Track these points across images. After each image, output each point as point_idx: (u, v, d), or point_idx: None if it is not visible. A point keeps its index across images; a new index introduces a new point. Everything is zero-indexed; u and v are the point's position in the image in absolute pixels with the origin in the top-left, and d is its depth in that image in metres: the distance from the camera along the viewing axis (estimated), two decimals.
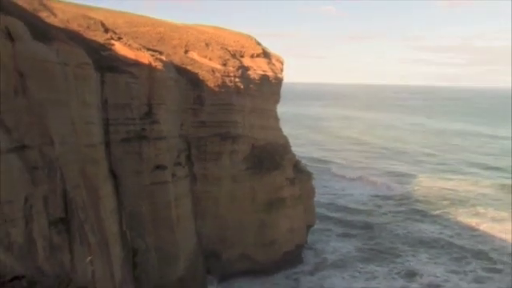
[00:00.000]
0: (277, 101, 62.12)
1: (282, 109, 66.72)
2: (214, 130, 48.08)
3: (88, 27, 37.80)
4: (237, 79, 51.22)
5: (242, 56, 56.44)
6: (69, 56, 26.08)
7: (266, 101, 58.16)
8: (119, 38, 39.49)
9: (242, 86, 51.56)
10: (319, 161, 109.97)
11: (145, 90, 37.14)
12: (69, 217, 24.09)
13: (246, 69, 54.34)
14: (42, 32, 25.17)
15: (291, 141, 63.25)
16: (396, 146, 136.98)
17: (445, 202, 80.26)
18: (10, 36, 19.77)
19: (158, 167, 38.07)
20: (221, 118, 48.50)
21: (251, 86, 53.99)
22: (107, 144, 33.72)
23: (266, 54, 61.14)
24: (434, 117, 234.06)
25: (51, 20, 33.49)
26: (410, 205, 79.16)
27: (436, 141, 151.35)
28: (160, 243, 38.25)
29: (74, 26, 36.45)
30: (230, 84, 49.96)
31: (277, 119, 61.18)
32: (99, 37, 37.59)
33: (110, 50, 36.83)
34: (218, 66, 50.33)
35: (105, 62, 34.35)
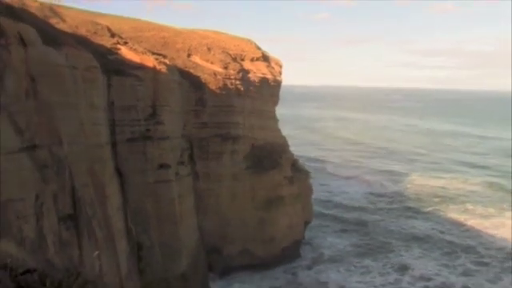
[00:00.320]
0: (276, 102, 62.21)
1: (280, 110, 66.80)
2: (216, 130, 48.18)
3: (95, 32, 37.86)
4: (237, 82, 51.31)
5: (243, 59, 56.53)
6: (77, 60, 26.19)
7: (266, 102, 58.26)
8: (125, 43, 39.57)
9: (242, 89, 51.66)
10: (316, 160, 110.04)
11: (149, 92, 37.22)
12: (77, 213, 24.19)
13: (246, 72, 54.43)
14: (52, 37, 25.26)
15: (289, 141, 63.37)
16: (389, 146, 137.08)
17: (436, 200, 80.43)
18: (22, 41, 19.88)
19: (162, 166, 38.15)
20: (222, 119, 48.60)
21: (251, 88, 54.08)
22: (113, 144, 33.82)
23: (265, 58, 61.23)
24: (426, 118, 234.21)
25: (61, 26, 33.56)
26: (402, 202, 79.32)
27: (428, 141, 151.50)
28: (164, 239, 38.33)
29: (82, 32, 36.52)
30: (230, 86, 50.06)
31: (276, 120, 61.27)
32: (106, 41, 37.66)
33: (117, 54, 36.91)
34: (220, 69, 50.42)
35: (111, 65, 34.42)
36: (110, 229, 29.23)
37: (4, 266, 5.48)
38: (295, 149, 68.14)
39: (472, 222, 68.82)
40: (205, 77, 48.07)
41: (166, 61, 41.51)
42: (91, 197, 26.72)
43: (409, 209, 75.54)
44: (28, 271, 5.68)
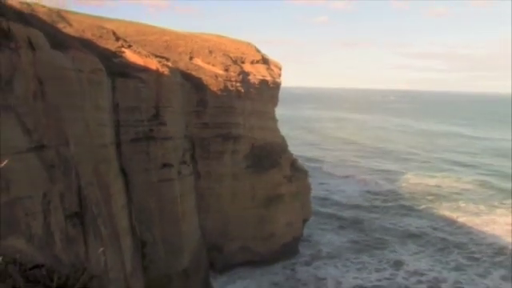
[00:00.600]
0: (275, 104, 62.25)
1: (279, 111, 66.85)
2: (217, 130, 48.20)
3: (101, 36, 37.87)
4: (238, 84, 51.35)
5: (243, 62, 56.57)
6: (83, 63, 26.20)
7: (265, 104, 58.30)
8: (129, 46, 39.58)
9: (242, 90, 51.69)
10: (314, 160, 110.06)
11: (153, 93, 37.24)
12: (83, 211, 24.20)
13: (246, 74, 54.47)
14: (60, 41, 25.29)
15: (288, 141, 63.41)
16: (384, 146, 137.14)
17: (429, 198, 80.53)
18: (31, 45, 19.93)
19: (165, 165, 38.17)
20: (223, 120, 48.63)
21: (251, 89, 54.12)
22: (118, 144, 33.83)
23: (265, 60, 61.28)
24: (420, 119, 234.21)
25: (68, 30, 33.58)
26: (397, 200, 79.40)
27: (422, 141, 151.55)
28: (166, 236, 38.35)
29: (88, 36, 36.54)
30: (231, 88, 50.09)
31: (275, 121, 61.30)
32: (111, 45, 37.68)
33: (121, 57, 36.93)
34: (221, 72, 50.46)
35: (116, 68, 34.45)
36: (115, 226, 29.24)
37: (13, 261, 5.51)
38: (294, 149, 68.17)
39: (464, 219, 68.95)
40: (206, 79, 48.10)
41: (169, 63, 41.54)
42: (96, 195, 26.73)
43: (404, 207, 75.62)
44: (36, 266, 5.71)
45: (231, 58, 54.58)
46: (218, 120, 48.14)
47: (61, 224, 20.70)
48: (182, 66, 47.43)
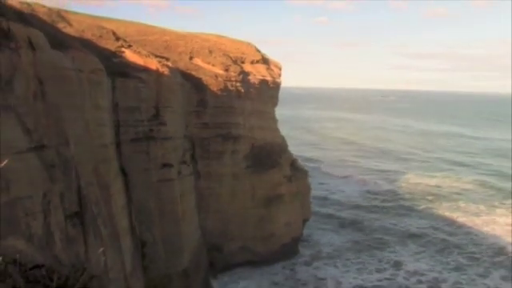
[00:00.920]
0: (275, 104, 62.24)
1: (279, 111, 66.86)
2: (217, 130, 48.20)
3: (101, 36, 37.88)
4: (238, 84, 51.35)
5: (243, 62, 56.56)
6: (83, 63, 26.21)
7: (265, 104, 58.30)
8: (129, 46, 39.59)
9: (242, 90, 51.69)
10: (314, 160, 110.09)
11: (153, 93, 37.26)
12: (83, 211, 24.18)
13: (246, 74, 54.47)
14: (60, 41, 25.30)
15: (288, 141, 63.40)
16: (384, 146, 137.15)
17: (429, 198, 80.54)
18: (31, 45, 19.92)
19: (165, 165, 38.18)
20: (223, 120, 48.63)
21: (251, 89, 54.12)
22: (118, 144, 33.84)
23: (264, 61, 61.27)
24: (419, 119, 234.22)
25: (68, 30, 33.60)
26: (397, 200, 79.40)
27: (421, 141, 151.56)
28: (166, 236, 38.36)
29: (88, 36, 36.55)
30: (231, 88, 50.08)
31: (275, 121, 61.29)
32: (111, 45, 37.69)
33: (121, 56, 36.94)
34: (221, 72, 50.46)
35: (116, 68, 34.45)
36: (115, 226, 29.23)
37: (13, 261, 5.50)
38: (294, 149, 68.18)
39: (464, 219, 68.95)
40: (206, 79, 48.10)
41: (169, 63, 41.55)
42: (96, 195, 26.72)
43: (404, 207, 75.63)
44: (36, 266, 5.70)
45: (231, 57, 54.58)
46: (218, 120, 48.14)
47: (61, 224, 20.69)
48: (181, 65, 47.43)
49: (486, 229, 64.52)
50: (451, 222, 67.62)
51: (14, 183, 16.68)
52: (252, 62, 57.97)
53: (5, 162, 13.27)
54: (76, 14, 44.91)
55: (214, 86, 48.03)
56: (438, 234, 62.53)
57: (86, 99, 25.97)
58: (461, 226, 65.85)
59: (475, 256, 55.08)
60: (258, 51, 62.26)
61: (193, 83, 46.27)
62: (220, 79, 49.06)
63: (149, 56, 39.50)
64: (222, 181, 48.88)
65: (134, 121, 35.83)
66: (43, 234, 18.05)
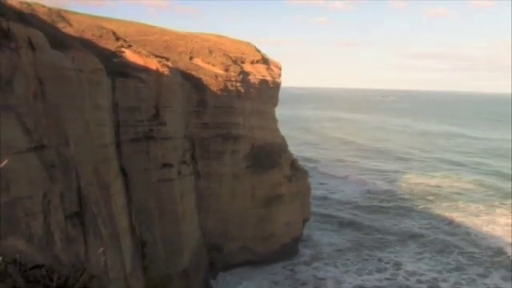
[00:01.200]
0: (275, 104, 62.22)
1: (279, 111, 66.87)
2: (217, 130, 48.20)
3: (101, 36, 37.88)
4: (238, 84, 51.34)
5: (243, 62, 56.56)
6: (83, 63, 26.21)
7: (265, 104, 58.29)
8: (129, 46, 39.59)
9: (242, 90, 51.69)
10: (313, 160, 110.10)
11: (153, 93, 37.26)
12: (83, 211, 24.18)
13: (246, 74, 54.46)
14: (60, 41, 25.30)
15: (287, 141, 63.37)
16: (384, 146, 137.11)
17: (429, 198, 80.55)
18: (31, 45, 19.92)
19: (165, 165, 38.18)
20: (223, 120, 48.63)
21: (251, 89, 54.11)
22: (118, 144, 33.84)
23: (265, 61, 61.26)
24: (419, 119, 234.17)
25: (68, 30, 33.60)
26: (397, 200, 79.40)
27: (421, 141, 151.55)
28: (166, 236, 38.37)
29: (88, 35, 36.56)
30: (231, 88, 50.08)
31: (275, 121, 61.28)
32: (111, 45, 37.69)
33: (121, 56, 36.94)
34: (221, 72, 50.45)
35: (116, 68, 34.45)
36: (115, 226, 29.23)
37: (13, 261, 5.50)
38: (293, 149, 68.16)
39: (464, 219, 68.96)
40: (206, 79, 48.10)
41: (169, 63, 41.55)
42: (96, 195, 26.72)
43: (403, 207, 75.63)
44: (36, 266, 5.70)
45: (231, 57, 54.58)
46: (218, 120, 48.14)
47: (61, 224, 20.68)
48: (181, 65, 47.43)
49: (485, 229, 64.54)
50: (451, 222, 67.63)
51: (13, 183, 16.67)
52: (252, 62, 57.97)
53: (5, 162, 13.27)
54: (76, 13, 44.92)
55: (213, 86, 48.03)
56: (438, 234, 62.54)
57: (85, 99, 25.97)
58: (461, 226, 65.85)
59: (475, 256, 55.09)
60: (258, 51, 62.25)
61: (193, 83, 46.27)
62: (220, 79, 49.06)
63: (149, 56, 39.50)
64: (221, 181, 48.87)
65: (134, 121, 35.83)
66: (43, 234, 18.05)
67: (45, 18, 30.73)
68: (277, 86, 61.35)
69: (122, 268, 29.10)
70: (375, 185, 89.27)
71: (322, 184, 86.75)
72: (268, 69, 60.47)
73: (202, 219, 45.86)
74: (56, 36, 26.03)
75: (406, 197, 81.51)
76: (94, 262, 23.19)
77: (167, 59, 43.61)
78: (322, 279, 48.82)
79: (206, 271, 44.59)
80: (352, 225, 66.17)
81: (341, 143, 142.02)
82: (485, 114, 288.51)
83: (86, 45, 32.01)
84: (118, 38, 39.85)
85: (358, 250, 56.89)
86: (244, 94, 52.03)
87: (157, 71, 37.54)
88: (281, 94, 64.52)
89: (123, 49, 38.10)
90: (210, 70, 49.87)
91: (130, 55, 37.61)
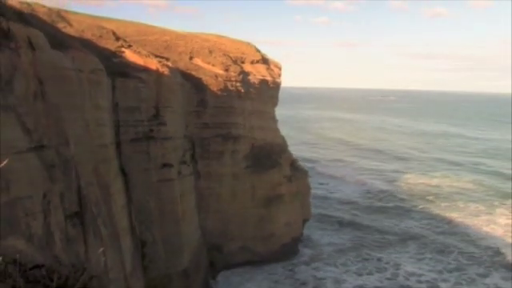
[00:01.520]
0: (275, 104, 62.20)
1: (279, 111, 66.81)
2: (217, 130, 48.17)
3: (101, 36, 37.86)
4: (238, 84, 51.32)
5: (243, 62, 56.54)
6: (83, 63, 26.21)
7: (265, 104, 58.27)
8: (129, 46, 39.57)
9: (242, 90, 51.66)
10: (313, 160, 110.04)
11: (153, 93, 37.25)
12: (83, 211, 24.18)
13: (246, 74, 54.44)
14: (60, 41, 25.29)
15: (287, 141, 63.31)
16: (383, 146, 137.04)
17: (429, 198, 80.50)
18: (31, 45, 19.91)
19: (165, 165, 38.17)
20: (223, 120, 48.60)
21: (251, 89, 54.09)
22: (118, 144, 33.83)
23: (264, 60, 61.24)
24: (419, 119, 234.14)
25: (68, 30, 33.60)
26: (397, 200, 79.35)
27: (421, 141, 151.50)
28: (166, 236, 38.35)
29: (88, 36, 36.54)
30: (231, 88, 50.06)
31: (275, 121, 61.25)
32: (111, 45, 37.67)
33: (121, 56, 36.93)
34: (221, 72, 50.43)
35: (116, 68, 34.44)
36: (115, 226, 29.22)
37: (13, 261, 5.48)
38: (293, 148, 68.11)
39: (464, 219, 68.93)
40: (206, 79, 48.08)
41: (169, 63, 41.53)
42: (96, 195, 26.71)
43: (403, 207, 75.58)
44: (36, 266, 5.68)
45: (231, 57, 54.55)
46: (218, 120, 48.11)
47: (61, 224, 20.67)
48: (181, 65, 47.41)
49: (485, 229, 64.51)
50: (451, 222, 67.58)
51: (14, 183, 16.66)
52: (252, 62, 57.95)
53: (5, 162, 13.24)
54: (76, 13, 44.90)
55: (214, 85, 48.01)
56: (438, 234, 62.51)
57: (85, 99, 25.97)
58: (461, 226, 65.81)
59: (475, 256, 55.06)
60: (258, 51, 62.23)
61: (193, 83, 46.25)
62: (220, 79, 49.04)
63: (149, 56, 39.49)
64: (221, 181, 48.85)
65: (134, 121, 35.82)
66: (43, 234, 18.04)
67: (45, 17, 30.72)
68: (277, 86, 61.33)
69: (122, 268, 29.09)
70: (375, 185, 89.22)
71: (321, 184, 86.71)
72: (268, 69, 60.45)
73: (202, 219, 45.83)
74: (56, 36, 26.02)
75: (406, 197, 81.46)
76: (94, 261, 23.17)
77: (167, 59, 43.59)
78: (322, 279, 48.78)
79: (206, 271, 44.56)
80: (352, 225, 66.12)
81: (340, 143, 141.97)
82: (485, 114, 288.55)
83: (86, 45, 32.00)
84: (118, 38, 39.84)
85: (357, 249, 56.85)
86: (244, 94, 52.00)
87: (157, 71, 37.53)
88: (281, 94, 64.48)
89: (123, 49, 38.09)
90: (210, 70, 49.85)
91: (129, 55, 37.60)
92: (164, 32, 57.70)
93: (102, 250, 25.04)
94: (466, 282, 48.39)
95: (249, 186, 50.78)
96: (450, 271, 51.02)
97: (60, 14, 35.40)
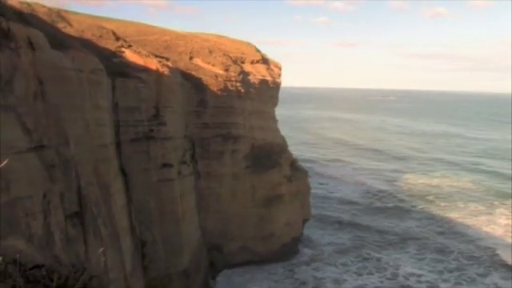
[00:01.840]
0: (275, 104, 62.20)
1: (279, 111, 66.79)
2: (217, 130, 48.17)
3: (101, 36, 37.86)
4: (238, 84, 51.32)
5: (243, 62, 56.54)
6: (83, 63, 26.20)
7: (265, 104, 58.27)
8: (129, 46, 39.56)
9: (242, 90, 51.66)
10: (313, 160, 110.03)
11: (153, 93, 37.25)
12: (83, 211, 24.18)
13: (246, 74, 54.44)
14: (60, 41, 25.29)
15: (287, 141, 63.29)
16: (383, 146, 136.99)
17: (429, 198, 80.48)
18: (31, 45, 19.91)
19: (165, 165, 38.16)
20: (223, 120, 48.60)
21: (251, 89, 54.09)
22: (118, 144, 33.82)
23: (264, 61, 61.24)
24: (419, 119, 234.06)
25: (68, 30, 33.59)
26: (397, 200, 79.32)
27: (421, 141, 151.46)
28: (166, 236, 38.35)
29: (88, 36, 36.54)
30: (231, 88, 50.06)
31: (275, 121, 61.25)
32: (111, 45, 37.66)
33: (121, 56, 36.92)
34: (221, 72, 50.43)
35: (116, 68, 34.44)
36: (115, 226, 29.22)
37: (13, 261, 5.48)
38: (292, 149, 68.09)
39: (463, 219, 68.94)
40: (206, 79, 48.08)
41: (169, 63, 41.52)
42: (96, 195, 26.71)
43: (403, 207, 75.57)
44: (36, 266, 5.68)
45: (231, 57, 54.55)
46: (218, 120, 48.12)
47: (61, 224, 20.67)
48: (181, 65, 47.40)
49: (485, 229, 64.50)
50: (451, 222, 67.57)
51: (14, 183, 16.66)
52: (252, 62, 57.95)
53: (5, 162, 13.24)
54: (76, 13, 44.90)
55: (214, 85, 48.01)
56: (438, 234, 62.50)
57: (85, 99, 25.97)
58: (460, 226, 65.80)
59: (475, 256, 55.05)
60: (258, 51, 62.23)
61: (193, 83, 46.25)
62: (220, 79, 49.04)
63: (149, 56, 39.48)
64: (222, 181, 48.85)
65: (134, 121, 35.81)
66: (43, 234, 18.04)
67: (45, 17, 30.71)
68: (277, 86, 61.33)
69: (122, 268, 29.08)
70: (375, 185, 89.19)
71: (321, 184, 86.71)
72: (268, 69, 60.46)
73: (202, 219, 45.83)
74: (56, 36, 26.02)
75: (406, 197, 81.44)
76: (94, 262, 23.16)
77: (167, 59, 43.59)
78: (322, 279, 48.78)
79: (206, 271, 44.55)
80: (352, 225, 66.11)
81: (340, 143, 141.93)
82: (485, 114, 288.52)
83: (86, 45, 31.99)
84: (118, 38, 39.83)
85: (358, 249, 56.84)
86: (244, 94, 52.00)
87: (157, 71, 37.53)
88: (281, 94, 64.47)
89: (123, 49, 38.08)
90: (210, 70, 49.85)
91: (130, 55, 37.59)
92: (164, 32, 57.69)
93: (102, 250, 25.04)
94: (466, 282, 48.40)
95: (249, 186, 50.79)
96: (450, 271, 51.03)
97: (60, 14, 35.40)
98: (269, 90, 58.74)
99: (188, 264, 40.17)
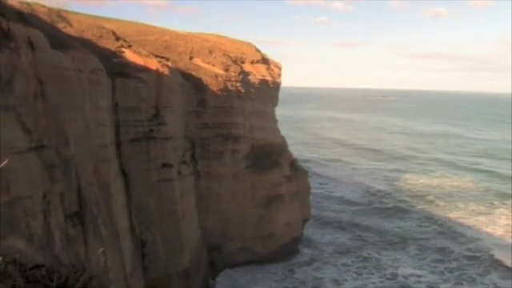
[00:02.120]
0: (275, 104, 62.20)
1: (279, 111, 66.78)
2: (217, 130, 48.18)
3: (101, 36, 37.86)
4: (238, 84, 51.33)
5: (243, 62, 56.54)
6: (83, 63, 26.21)
7: (265, 104, 58.27)
8: (129, 46, 39.57)
9: (242, 90, 51.67)
10: (313, 160, 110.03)
11: (152, 93, 37.26)
12: (83, 211, 24.19)
13: (246, 74, 54.45)
14: (60, 41, 25.30)
15: (287, 141, 63.30)
16: (383, 146, 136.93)
17: (429, 198, 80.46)
18: (31, 45, 19.92)
19: (165, 165, 38.17)
20: (223, 120, 48.61)
21: (251, 89, 54.10)
22: (118, 144, 33.83)
23: (264, 60, 61.23)
24: (419, 119, 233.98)
25: (68, 30, 33.59)
26: (397, 200, 79.30)
27: (421, 141, 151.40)
28: (166, 236, 38.36)
29: (88, 35, 36.54)
30: (231, 88, 50.07)
31: (275, 121, 61.25)
32: (111, 45, 37.67)
33: (121, 56, 36.92)
34: (221, 72, 50.44)
35: (116, 68, 34.45)
36: (115, 226, 29.23)
37: (13, 261, 5.49)
38: (292, 149, 68.10)
39: (463, 219, 68.94)
40: (206, 79, 48.09)
41: (169, 63, 41.53)
42: (96, 195, 26.73)
43: (403, 207, 75.55)
44: (36, 266, 5.68)
45: (231, 57, 54.55)
46: (218, 120, 48.13)
47: (61, 224, 20.68)
48: (181, 65, 47.41)
49: (485, 229, 64.51)
50: (450, 222, 67.57)
51: (14, 183, 16.67)
52: (252, 62, 57.96)
53: (5, 162, 13.25)
54: (76, 13, 44.90)
55: (214, 85, 48.02)
56: (438, 234, 62.51)
57: (85, 99, 25.98)
58: (460, 226, 65.80)
59: (475, 255, 55.08)
60: (258, 51, 62.23)
61: (193, 83, 46.26)
62: (220, 79, 49.05)
63: (149, 56, 39.49)
64: (222, 181, 48.86)
65: (134, 121, 35.82)
66: (43, 234, 18.05)
67: (45, 17, 30.72)
68: (277, 85, 61.34)
69: (122, 268, 29.09)
70: (375, 185, 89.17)
71: (321, 184, 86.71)
72: (268, 69, 60.46)
73: (202, 219, 45.83)
74: (56, 36, 26.03)
75: (406, 197, 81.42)
76: (94, 262, 23.17)
77: (167, 59, 43.59)
78: (322, 279, 48.78)
79: (206, 271, 44.56)
80: (352, 225, 66.12)
81: (340, 143, 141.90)
82: (485, 114, 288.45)
83: (86, 45, 32.00)
84: (117, 38, 39.83)
85: (357, 250, 56.85)
86: (244, 94, 52.01)
87: (157, 71, 37.53)
88: (281, 94, 64.47)
89: (123, 49, 38.09)
90: (210, 70, 49.86)
91: (129, 55, 37.60)
92: (164, 32, 57.71)
93: (102, 250, 25.05)
94: (467, 282, 48.41)
95: (249, 186, 50.80)
96: (450, 271, 51.04)
97: (60, 14, 35.40)
98: (269, 90, 58.75)
99: (188, 264, 40.17)
